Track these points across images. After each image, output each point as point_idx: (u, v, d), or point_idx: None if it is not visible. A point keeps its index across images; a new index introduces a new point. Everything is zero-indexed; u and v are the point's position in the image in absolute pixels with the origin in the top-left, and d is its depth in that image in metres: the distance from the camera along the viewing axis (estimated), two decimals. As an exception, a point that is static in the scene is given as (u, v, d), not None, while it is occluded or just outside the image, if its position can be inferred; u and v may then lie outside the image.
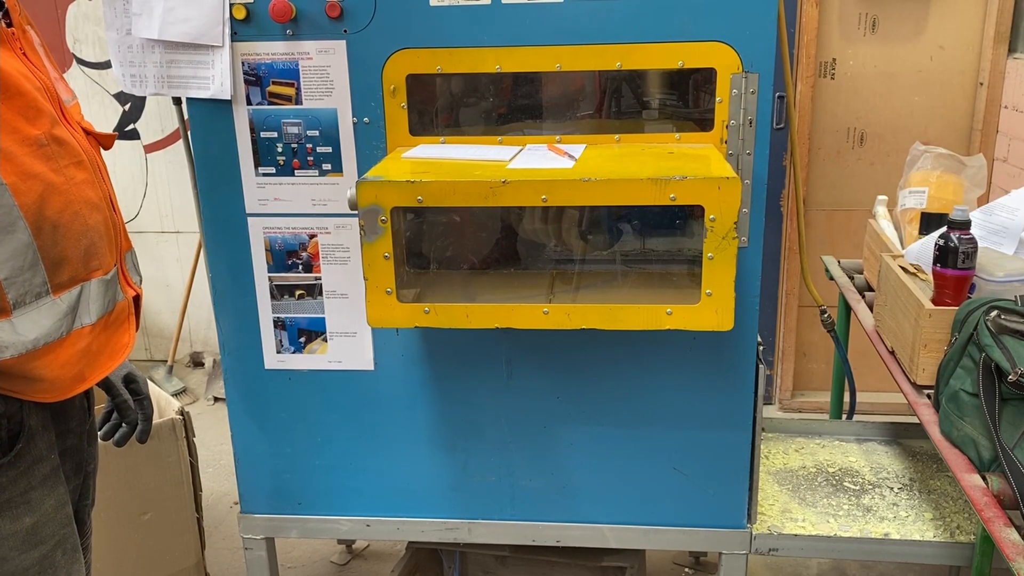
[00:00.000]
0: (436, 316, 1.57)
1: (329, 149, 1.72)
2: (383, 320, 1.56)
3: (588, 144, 1.72)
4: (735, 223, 1.44)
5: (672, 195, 1.44)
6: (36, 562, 1.13)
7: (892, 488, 2.12)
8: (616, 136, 1.73)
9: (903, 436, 2.36)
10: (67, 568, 1.19)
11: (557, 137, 1.74)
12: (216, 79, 1.68)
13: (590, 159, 1.60)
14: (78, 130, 1.19)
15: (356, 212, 1.50)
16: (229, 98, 1.70)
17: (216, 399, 3.81)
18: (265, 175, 1.75)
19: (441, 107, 1.95)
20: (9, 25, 1.13)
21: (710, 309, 1.52)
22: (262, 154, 1.74)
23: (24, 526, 1.11)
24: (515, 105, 1.93)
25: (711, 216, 1.45)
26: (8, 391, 1.09)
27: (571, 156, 1.61)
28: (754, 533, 1.92)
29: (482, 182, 1.47)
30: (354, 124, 1.70)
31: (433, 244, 1.95)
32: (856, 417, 2.68)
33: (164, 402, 2.35)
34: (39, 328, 1.08)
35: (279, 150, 1.73)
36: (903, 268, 2.09)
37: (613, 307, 1.57)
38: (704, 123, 1.73)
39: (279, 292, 1.83)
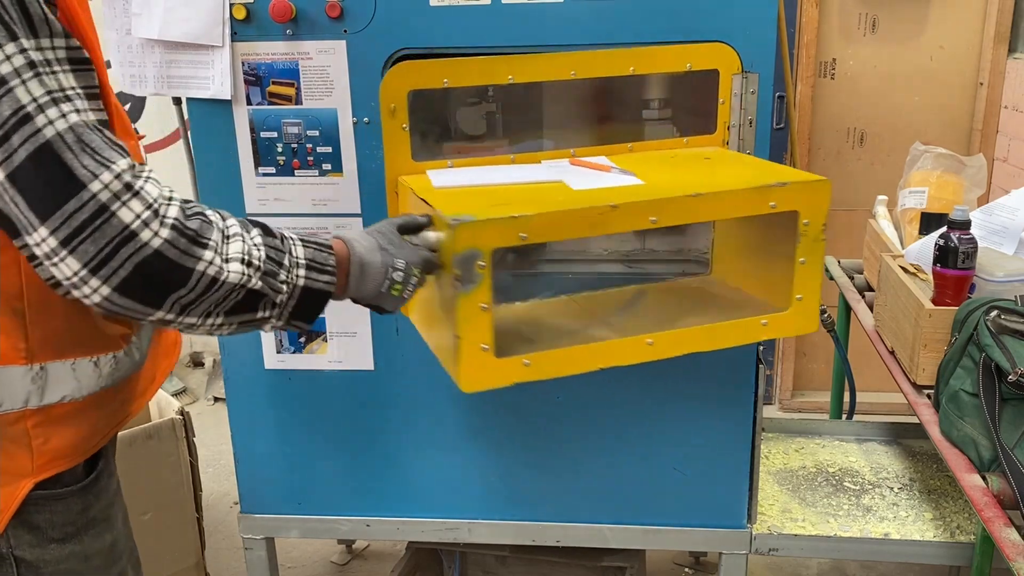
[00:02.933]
0: (538, 368, 1.36)
1: (329, 149, 1.72)
2: (481, 382, 1.32)
3: (604, 155, 1.63)
4: (824, 225, 1.43)
5: (772, 203, 1.39)
6: None
7: (892, 488, 2.12)
8: (629, 145, 1.66)
9: (903, 436, 2.36)
10: None
11: (572, 151, 1.65)
12: (216, 79, 1.68)
13: (647, 173, 1.48)
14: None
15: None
16: (229, 98, 1.70)
17: (216, 399, 3.81)
18: (265, 175, 1.75)
19: (439, 126, 1.90)
20: None
21: (800, 314, 1.49)
22: (262, 154, 1.74)
23: (106, 544, 1.12)
24: (524, 118, 1.92)
25: (804, 221, 1.41)
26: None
27: (620, 171, 1.50)
28: (754, 533, 1.92)
29: (590, 209, 1.30)
30: (354, 124, 1.70)
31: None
32: (856, 417, 2.68)
33: (164, 402, 2.35)
34: (144, 344, 1.13)
35: (279, 150, 1.73)
36: (903, 268, 2.09)
37: (712, 327, 1.47)
38: (707, 125, 1.73)
39: (279, 292, 1.83)
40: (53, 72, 0.89)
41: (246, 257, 0.97)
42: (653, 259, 2.02)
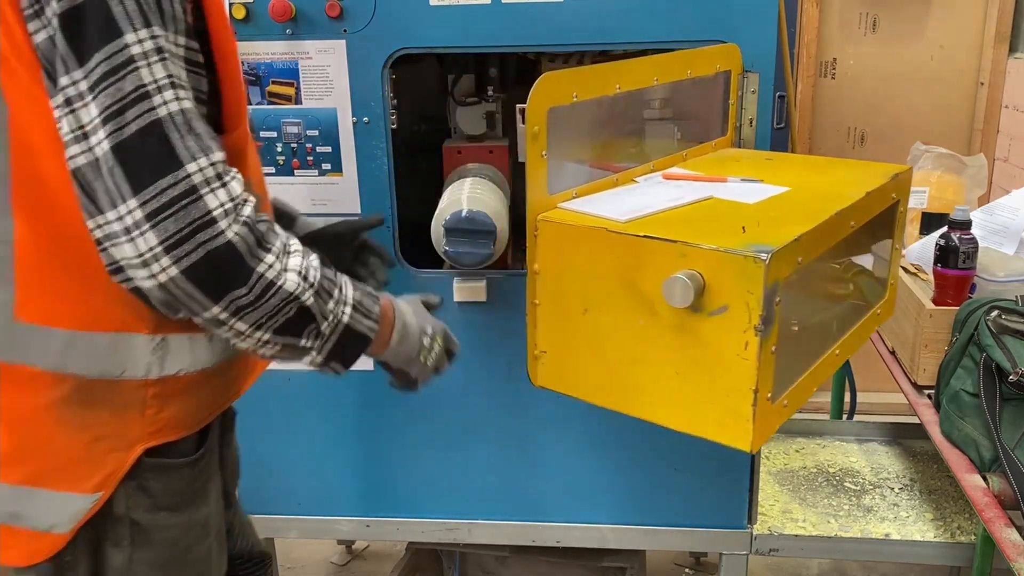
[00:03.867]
0: (792, 404, 1.24)
1: (329, 149, 1.72)
2: (763, 437, 1.16)
3: (677, 165, 1.56)
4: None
5: (893, 195, 1.45)
6: (207, 550, 1.17)
7: (892, 488, 2.11)
8: (683, 153, 1.61)
9: (903, 436, 2.36)
10: (219, 559, 1.22)
11: (651, 164, 1.53)
12: (216, 79, 1.68)
13: (787, 180, 1.42)
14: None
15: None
16: (229, 98, 1.70)
17: (216, 399, 3.80)
18: (265, 175, 1.75)
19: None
20: None
21: (891, 299, 1.53)
22: (262, 154, 1.73)
23: (202, 517, 1.16)
24: (620, 131, 1.89)
25: (902, 209, 1.49)
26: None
27: (740, 179, 1.42)
28: (755, 533, 1.91)
29: (829, 221, 1.21)
30: (354, 124, 1.70)
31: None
32: (856, 417, 2.68)
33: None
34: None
35: (279, 150, 1.73)
36: (904, 268, 2.09)
37: (860, 326, 1.47)
38: (706, 125, 1.72)
39: (279, 292, 1.83)
40: (176, 61, 0.94)
41: (303, 271, 0.99)
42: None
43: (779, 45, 1.63)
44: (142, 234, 0.90)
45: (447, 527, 1.96)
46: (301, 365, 1.07)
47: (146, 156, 0.90)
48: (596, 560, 2.06)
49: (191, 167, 0.90)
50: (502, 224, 1.58)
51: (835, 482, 2.14)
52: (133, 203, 0.89)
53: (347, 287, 1.07)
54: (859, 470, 2.20)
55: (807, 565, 2.62)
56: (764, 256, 1.05)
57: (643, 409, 1.23)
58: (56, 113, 0.92)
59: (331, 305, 1.03)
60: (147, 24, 0.91)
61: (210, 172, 0.92)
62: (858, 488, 2.12)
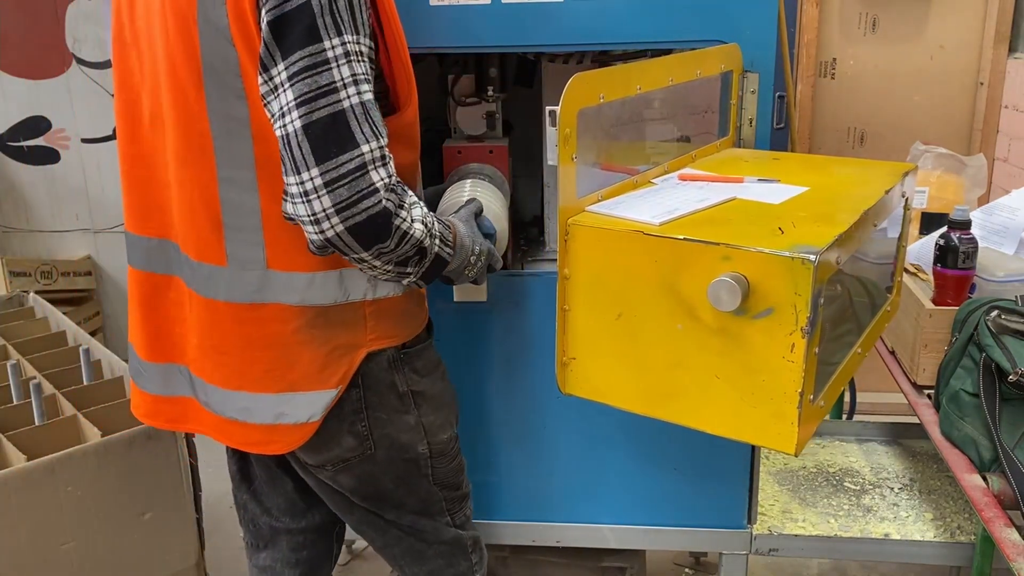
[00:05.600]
0: (827, 403, 1.25)
1: (329, 149, 1.72)
2: (808, 435, 1.16)
3: (688, 166, 1.57)
4: None
5: (903, 193, 1.50)
6: (454, 389, 1.57)
7: (892, 488, 2.11)
8: (692, 153, 1.60)
9: (903, 436, 2.36)
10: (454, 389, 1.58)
11: (665, 165, 1.53)
12: (216, 79, 1.69)
13: (802, 180, 1.42)
14: None
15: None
16: (229, 98, 1.70)
17: (216, 399, 3.80)
18: (265, 175, 1.75)
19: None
20: None
21: (898, 296, 1.61)
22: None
23: (444, 369, 1.53)
24: (634, 134, 1.88)
25: (908, 208, 1.53)
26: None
27: (756, 179, 1.43)
28: (754, 533, 1.91)
29: (860, 221, 1.22)
30: (354, 124, 1.70)
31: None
32: (856, 417, 2.68)
33: (164, 402, 2.34)
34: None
35: (279, 150, 1.73)
36: (904, 268, 2.09)
37: (875, 323, 1.50)
38: (705, 125, 1.72)
39: (279, 292, 1.84)
40: (360, 60, 1.17)
41: (425, 220, 1.25)
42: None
43: (779, 45, 1.63)
44: (319, 197, 1.13)
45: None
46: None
47: (330, 136, 1.13)
48: (596, 560, 2.06)
49: (364, 148, 1.14)
50: (502, 226, 1.59)
51: (835, 482, 2.15)
52: (315, 171, 1.13)
53: (436, 222, 1.30)
54: (859, 470, 2.20)
55: (807, 565, 2.62)
56: (812, 257, 1.04)
57: (680, 415, 1.22)
58: (266, 98, 1.16)
59: (435, 242, 1.28)
60: (339, 33, 1.14)
61: (377, 153, 1.16)
62: (858, 488, 2.12)
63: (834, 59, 3.30)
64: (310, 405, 1.35)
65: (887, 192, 1.36)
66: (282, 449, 1.39)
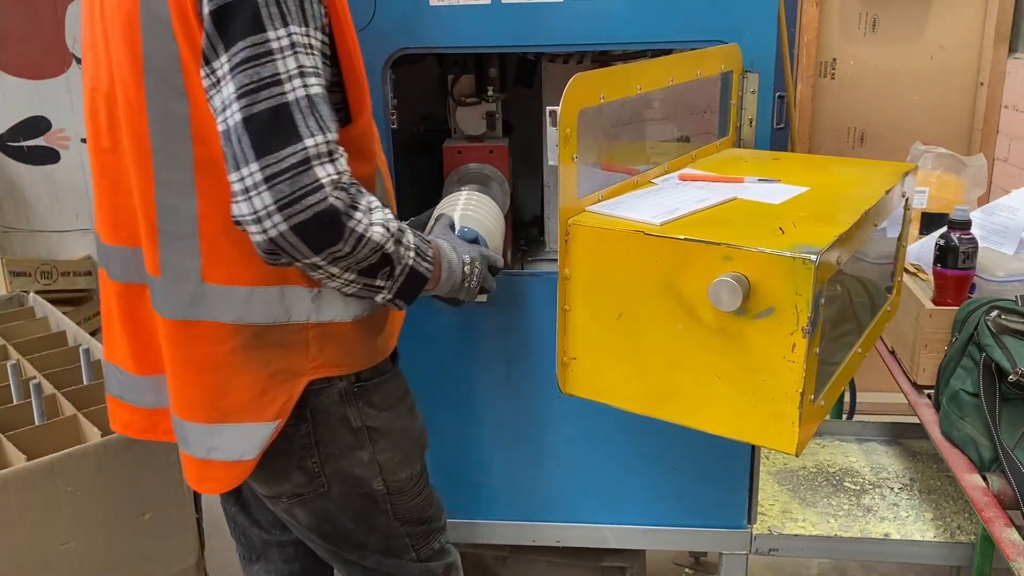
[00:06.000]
0: (828, 403, 1.26)
1: (329, 149, 1.72)
2: (809, 435, 1.16)
3: (688, 166, 1.55)
4: None
5: (904, 194, 1.52)
6: (420, 426, 1.48)
7: (892, 488, 2.11)
8: (692, 153, 1.60)
9: (903, 436, 2.36)
10: (424, 426, 1.51)
11: (665, 165, 1.53)
12: (216, 79, 1.69)
13: (802, 180, 1.42)
14: None
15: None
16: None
17: (216, 399, 3.79)
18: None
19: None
20: None
21: (898, 295, 1.63)
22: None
23: (409, 405, 1.45)
24: (633, 134, 1.89)
25: (908, 208, 1.55)
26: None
27: (757, 179, 1.43)
28: (754, 533, 1.91)
29: (860, 221, 1.23)
30: (354, 124, 1.70)
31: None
32: (856, 417, 2.68)
33: (164, 402, 2.34)
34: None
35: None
36: (904, 268, 2.09)
37: (876, 322, 1.51)
38: (703, 124, 1.72)
39: (279, 292, 1.83)
40: (309, 53, 1.11)
41: (386, 224, 1.15)
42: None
43: (779, 45, 1.63)
44: (259, 193, 1.05)
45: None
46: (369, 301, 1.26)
47: (272, 130, 1.06)
48: (596, 560, 2.06)
49: (308, 142, 1.07)
50: (494, 243, 1.55)
51: (835, 482, 2.15)
52: (255, 166, 1.05)
53: (409, 233, 1.23)
54: (859, 470, 2.20)
55: (807, 565, 2.62)
56: (813, 257, 1.04)
57: (680, 414, 1.22)
58: (209, 92, 1.10)
59: (403, 251, 1.20)
60: (286, 24, 1.08)
61: (323, 148, 1.08)
62: (858, 488, 2.12)
63: (834, 59, 3.29)
64: (243, 440, 1.26)
65: (887, 192, 1.36)
66: (215, 489, 1.32)
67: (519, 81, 2.04)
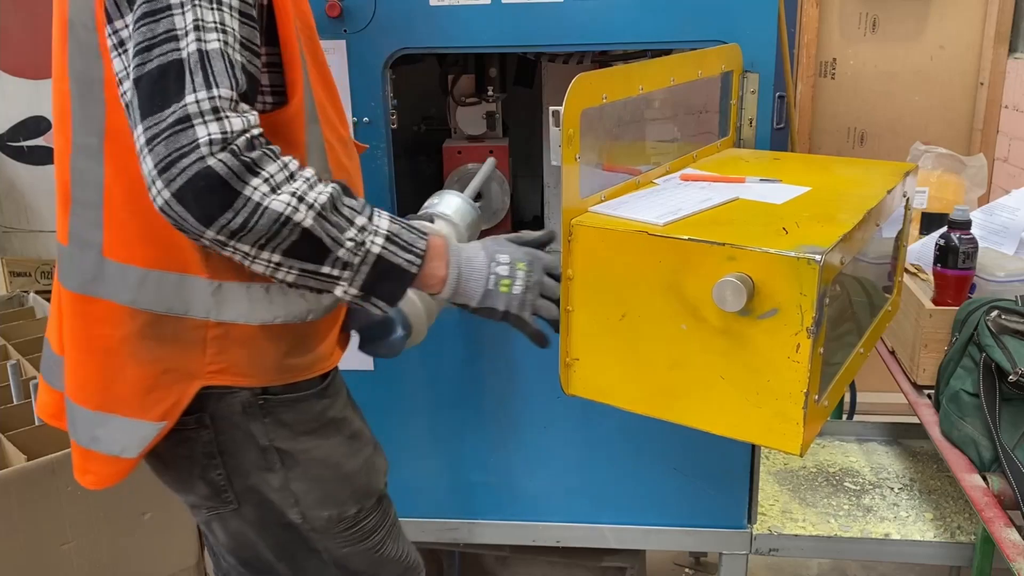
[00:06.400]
0: (831, 403, 1.26)
1: (329, 149, 1.72)
2: (809, 441, 1.15)
3: (689, 166, 1.55)
4: None
5: (904, 193, 1.52)
6: (362, 464, 1.31)
7: (892, 488, 2.11)
8: (693, 154, 1.59)
9: (903, 436, 2.36)
10: (382, 465, 1.39)
11: (667, 165, 1.52)
12: (216, 79, 1.68)
13: (803, 180, 1.42)
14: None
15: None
16: (229, 98, 1.69)
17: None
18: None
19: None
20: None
21: (898, 295, 1.62)
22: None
23: (346, 437, 1.29)
24: (635, 134, 1.88)
25: (908, 207, 1.55)
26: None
27: (758, 179, 1.42)
28: (754, 533, 1.91)
29: (863, 220, 1.23)
30: (354, 124, 1.70)
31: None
32: (856, 417, 2.68)
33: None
34: (330, 297, 1.16)
35: (279, 150, 1.73)
36: (904, 268, 2.09)
37: (877, 322, 1.52)
38: (703, 124, 1.72)
39: (279, 292, 1.83)
40: (215, 8, 1.00)
41: (299, 193, 1.00)
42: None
43: (779, 45, 1.63)
44: (143, 158, 0.96)
45: (447, 527, 1.96)
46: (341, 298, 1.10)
47: (159, 90, 0.96)
48: (596, 560, 2.06)
49: (188, 99, 0.96)
50: (413, 310, 1.41)
51: (835, 482, 2.15)
52: (140, 128, 0.96)
53: (380, 217, 1.08)
54: (859, 470, 2.20)
55: (807, 565, 2.62)
56: (818, 258, 1.04)
57: (683, 415, 1.21)
58: (112, 53, 1.03)
59: (351, 233, 1.04)
60: None
61: (206, 105, 0.96)
62: (858, 488, 2.12)
63: (834, 59, 3.30)
64: (124, 434, 1.16)
65: (889, 192, 1.36)
66: (95, 483, 1.20)
67: (519, 81, 2.05)
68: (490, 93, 1.90)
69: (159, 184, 0.95)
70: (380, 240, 1.07)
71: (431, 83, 2.05)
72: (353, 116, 1.69)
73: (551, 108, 1.20)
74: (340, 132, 1.25)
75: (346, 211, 1.04)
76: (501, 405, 1.88)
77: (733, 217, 1.25)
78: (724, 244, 1.10)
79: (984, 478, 1.62)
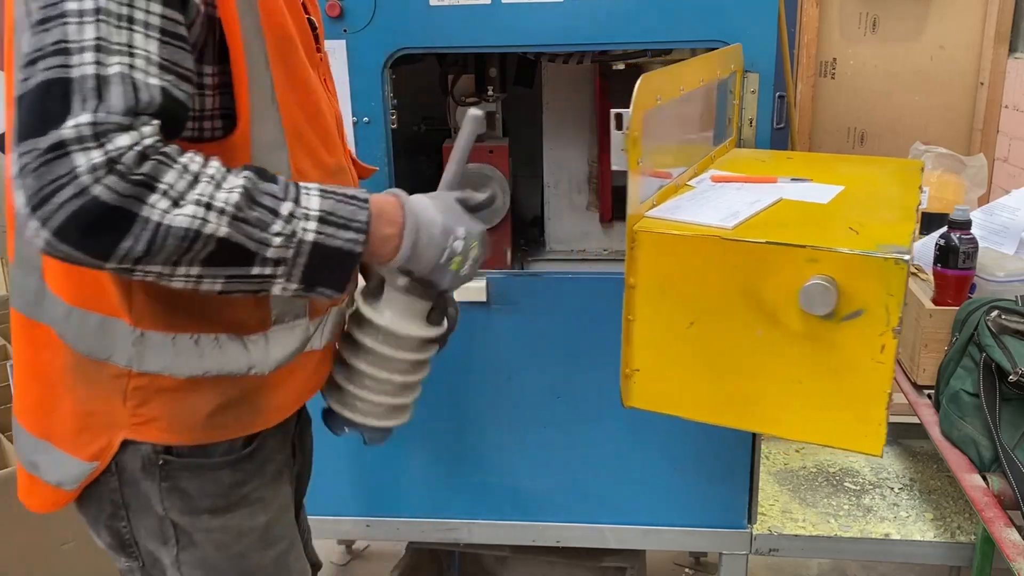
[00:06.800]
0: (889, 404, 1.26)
1: (329, 149, 1.72)
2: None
3: (711, 168, 1.53)
4: None
5: (920, 185, 1.49)
6: (272, 561, 1.13)
7: (892, 488, 2.11)
8: (711, 155, 1.58)
9: (903, 436, 2.35)
10: (300, 572, 1.19)
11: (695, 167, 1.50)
12: (216, 79, 1.68)
13: (831, 178, 1.40)
14: (348, 159, 1.20)
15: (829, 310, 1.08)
16: (229, 98, 1.69)
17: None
18: (265, 175, 1.75)
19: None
20: (318, 50, 1.14)
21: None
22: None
23: (260, 524, 1.11)
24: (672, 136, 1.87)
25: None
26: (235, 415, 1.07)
27: (790, 179, 1.40)
28: (754, 533, 1.91)
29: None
30: (354, 124, 1.70)
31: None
32: (856, 417, 2.67)
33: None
34: (284, 350, 1.06)
35: (279, 150, 1.73)
36: (903, 268, 2.09)
37: None
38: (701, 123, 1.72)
39: (279, 292, 1.83)
40: (128, 29, 0.85)
41: (206, 199, 0.85)
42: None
43: (779, 45, 1.63)
44: (15, 191, 0.81)
45: (447, 527, 1.96)
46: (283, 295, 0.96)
47: (40, 111, 0.82)
48: (596, 560, 2.06)
49: (68, 122, 0.81)
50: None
51: (835, 482, 2.14)
52: (15, 155, 0.82)
53: (309, 198, 0.93)
54: (859, 470, 2.20)
55: (807, 565, 2.62)
56: (906, 257, 1.03)
57: (756, 422, 1.20)
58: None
59: (276, 226, 0.89)
60: None
61: (87, 130, 0.81)
62: (858, 488, 2.12)
63: (834, 59, 3.30)
64: (60, 468, 1.06)
65: (920, 189, 1.36)
66: (39, 507, 1.10)
67: (519, 81, 2.05)
68: (490, 93, 1.90)
69: (34, 223, 0.80)
70: (312, 225, 0.91)
71: (431, 83, 2.05)
72: (353, 116, 1.69)
73: (613, 111, 1.15)
74: (324, 159, 1.09)
75: (267, 201, 0.90)
76: (501, 405, 1.88)
77: (788, 218, 1.22)
78: (805, 246, 1.08)
79: (984, 478, 1.62)
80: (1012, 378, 1.59)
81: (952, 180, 2.40)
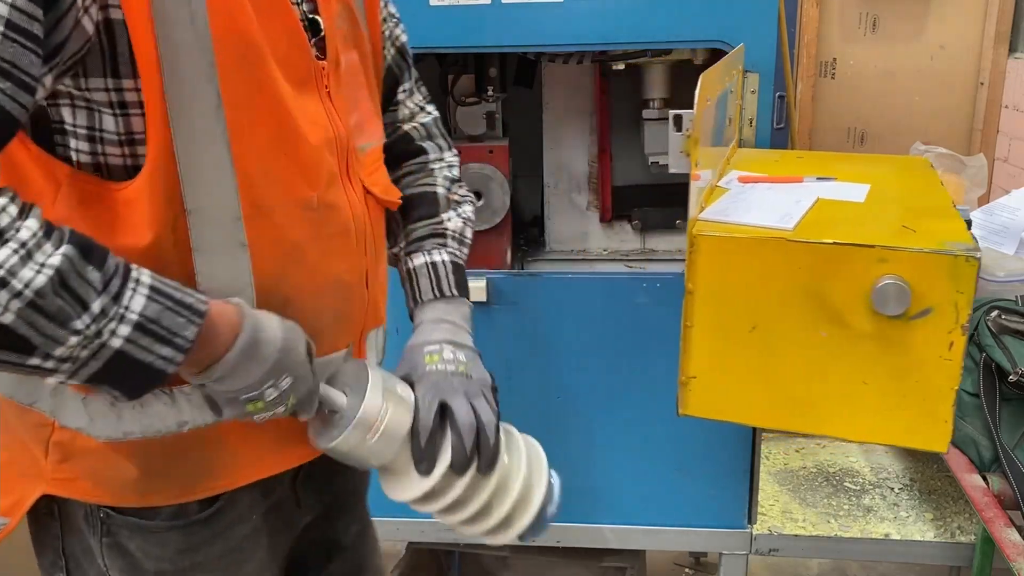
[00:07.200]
0: None
1: (329, 149, 1.72)
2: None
3: (733, 169, 1.49)
4: None
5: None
6: None
7: (892, 488, 2.11)
8: (727, 156, 1.56)
9: (903, 436, 2.35)
10: None
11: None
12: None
13: (853, 177, 1.39)
14: (357, 190, 1.00)
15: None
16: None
17: (216, 399, 3.79)
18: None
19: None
20: (321, 57, 0.95)
21: None
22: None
23: None
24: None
25: None
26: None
27: (816, 178, 1.39)
28: (754, 533, 1.91)
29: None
30: (354, 124, 1.69)
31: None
32: (856, 417, 2.67)
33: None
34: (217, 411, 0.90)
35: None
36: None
37: None
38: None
39: (279, 292, 1.82)
40: None
41: (3, 272, 0.67)
42: (652, 259, 2.02)
43: (779, 45, 1.63)
44: None
45: (447, 527, 1.95)
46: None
47: None
48: (596, 560, 2.06)
49: None
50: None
51: (835, 482, 2.14)
52: None
53: (133, 296, 0.74)
54: (859, 470, 2.20)
55: (807, 565, 2.62)
56: (977, 254, 1.03)
57: (819, 425, 1.20)
58: None
59: (80, 322, 0.71)
60: None
61: None
62: (858, 488, 2.12)
63: (834, 59, 3.30)
64: None
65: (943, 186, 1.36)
66: None
67: (519, 81, 2.05)
68: (490, 93, 1.90)
69: None
70: (125, 330, 0.73)
71: (431, 83, 2.05)
72: (353, 116, 1.69)
73: (672, 112, 1.14)
74: (301, 193, 0.90)
75: (80, 289, 0.71)
76: (500, 405, 1.87)
77: (836, 217, 1.21)
78: (875, 246, 1.08)
79: (984, 478, 1.63)
80: (1012, 378, 1.59)
81: (952, 180, 2.40)
